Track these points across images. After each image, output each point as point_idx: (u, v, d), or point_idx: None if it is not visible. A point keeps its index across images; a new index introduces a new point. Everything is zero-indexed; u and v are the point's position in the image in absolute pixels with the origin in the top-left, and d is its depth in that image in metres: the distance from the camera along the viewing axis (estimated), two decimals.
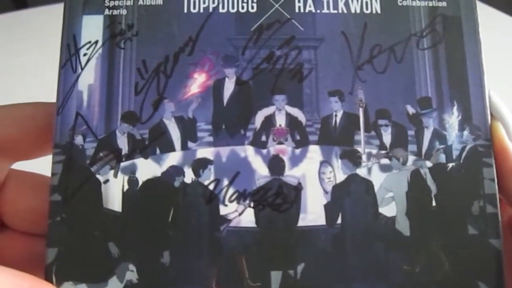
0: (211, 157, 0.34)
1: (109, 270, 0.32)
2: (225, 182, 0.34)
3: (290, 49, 0.35)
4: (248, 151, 0.34)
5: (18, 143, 0.35)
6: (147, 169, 0.34)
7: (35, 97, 0.36)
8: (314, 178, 0.34)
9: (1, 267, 0.28)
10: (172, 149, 0.34)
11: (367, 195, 0.34)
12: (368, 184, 0.34)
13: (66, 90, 0.34)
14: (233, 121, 0.35)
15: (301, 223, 0.33)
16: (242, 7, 0.36)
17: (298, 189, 0.34)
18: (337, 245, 0.33)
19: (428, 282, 0.33)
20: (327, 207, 0.33)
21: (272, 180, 0.34)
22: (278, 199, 0.33)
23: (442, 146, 0.34)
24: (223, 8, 0.36)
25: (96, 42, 0.35)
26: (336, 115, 0.35)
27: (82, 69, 0.35)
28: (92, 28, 0.35)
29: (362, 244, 0.33)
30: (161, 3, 0.36)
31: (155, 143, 0.34)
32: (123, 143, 0.34)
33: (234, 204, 0.33)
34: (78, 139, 0.34)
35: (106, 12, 0.35)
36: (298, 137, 0.35)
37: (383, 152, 0.34)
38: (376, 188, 0.34)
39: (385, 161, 0.34)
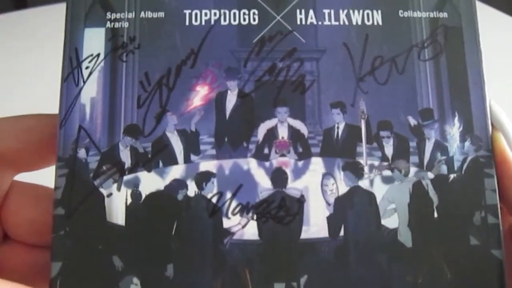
0: (214, 170, 0.34)
1: (113, 284, 0.32)
2: (228, 195, 0.34)
3: (292, 61, 0.35)
4: (251, 164, 0.34)
5: (21, 154, 0.35)
6: (150, 182, 0.34)
7: (35, 97, 0.36)
8: (317, 190, 0.34)
9: (2, 280, 0.28)
10: (175, 162, 0.34)
11: (369, 207, 0.34)
12: (371, 196, 0.34)
13: (69, 103, 0.34)
14: (235, 134, 0.35)
15: (304, 235, 0.33)
16: (244, 20, 0.36)
17: (301, 201, 0.34)
18: (340, 257, 0.33)
19: None
20: (329, 219, 0.34)
21: (275, 192, 0.34)
22: (281, 212, 0.33)
23: (443, 157, 0.34)
24: (224, 20, 0.36)
25: (98, 55, 0.35)
26: (338, 127, 0.35)
27: (84, 82, 0.35)
28: (94, 41, 0.35)
29: (365, 256, 0.33)
30: (163, 16, 0.35)
31: (158, 156, 0.34)
32: (126, 157, 0.34)
33: (237, 217, 0.33)
34: (81, 153, 0.34)
35: (108, 25, 0.35)
36: (300, 149, 0.35)
37: (385, 163, 0.35)
38: (378, 199, 0.34)
39: (387, 172, 0.34)
